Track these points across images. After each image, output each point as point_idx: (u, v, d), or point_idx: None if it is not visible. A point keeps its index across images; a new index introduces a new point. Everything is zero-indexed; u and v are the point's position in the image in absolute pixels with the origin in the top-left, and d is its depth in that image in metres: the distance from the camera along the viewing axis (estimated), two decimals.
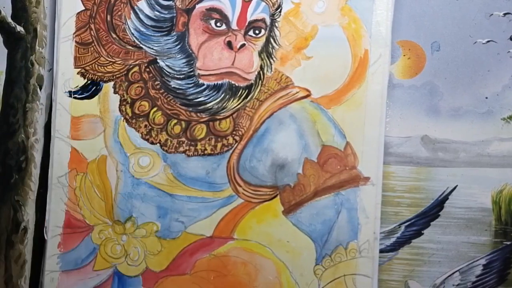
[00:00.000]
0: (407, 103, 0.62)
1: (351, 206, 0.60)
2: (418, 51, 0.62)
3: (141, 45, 0.61)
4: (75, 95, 0.62)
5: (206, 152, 0.61)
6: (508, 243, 0.62)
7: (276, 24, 0.61)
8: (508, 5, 0.61)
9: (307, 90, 0.61)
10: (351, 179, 0.60)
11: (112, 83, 0.62)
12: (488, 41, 0.61)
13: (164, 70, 0.61)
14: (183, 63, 0.61)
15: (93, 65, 0.61)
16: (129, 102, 0.61)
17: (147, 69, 0.61)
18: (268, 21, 0.61)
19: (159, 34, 0.61)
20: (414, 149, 0.62)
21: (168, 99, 0.61)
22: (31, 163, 0.63)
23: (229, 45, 0.61)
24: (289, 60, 0.61)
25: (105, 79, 0.62)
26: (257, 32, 0.61)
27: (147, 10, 0.61)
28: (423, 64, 0.62)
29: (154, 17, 0.61)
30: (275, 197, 0.61)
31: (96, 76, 0.62)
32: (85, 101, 0.62)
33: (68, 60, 0.61)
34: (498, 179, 0.62)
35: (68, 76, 0.61)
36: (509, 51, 0.61)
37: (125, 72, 0.61)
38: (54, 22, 0.62)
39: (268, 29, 0.61)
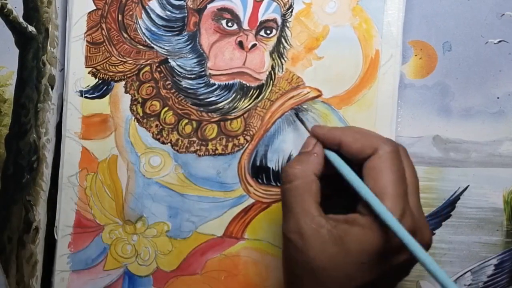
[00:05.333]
0: (418, 103, 0.62)
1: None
2: (429, 51, 0.62)
3: (152, 45, 0.61)
4: (86, 95, 0.61)
5: (217, 152, 0.61)
6: None
7: (287, 24, 0.61)
8: None
9: (318, 90, 0.61)
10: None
11: (123, 82, 0.62)
12: (500, 41, 0.61)
13: (175, 70, 0.61)
14: (194, 63, 0.61)
15: (104, 64, 0.61)
16: (140, 101, 0.61)
17: (158, 69, 0.61)
18: (279, 21, 0.61)
19: (170, 34, 0.61)
20: (426, 149, 0.62)
21: (179, 98, 0.61)
22: (42, 163, 0.63)
23: (240, 45, 0.61)
24: (300, 60, 0.61)
25: (116, 78, 0.62)
26: (268, 32, 0.61)
27: (159, 10, 0.61)
28: (434, 64, 0.62)
29: (166, 17, 0.61)
30: None
31: (107, 76, 0.61)
32: (96, 100, 0.62)
33: (79, 60, 0.61)
34: (510, 179, 0.62)
35: (79, 75, 0.61)
36: None
37: (136, 71, 0.61)
38: (65, 21, 0.62)
39: (279, 29, 0.61)
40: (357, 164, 0.48)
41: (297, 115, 0.59)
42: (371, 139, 0.48)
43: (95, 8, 0.61)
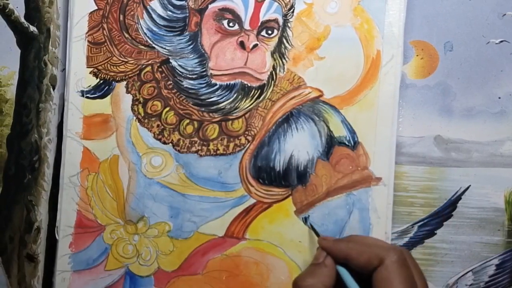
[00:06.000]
0: (420, 103, 0.62)
1: (362, 206, 0.60)
2: (431, 51, 0.62)
3: (153, 45, 0.61)
4: (87, 95, 0.62)
5: (218, 152, 0.61)
6: None
7: (289, 24, 0.61)
8: None
9: (320, 91, 0.61)
10: (363, 180, 0.60)
11: (124, 82, 0.62)
12: (501, 41, 0.61)
13: (177, 70, 0.61)
14: (196, 63, 0.61)
15: (106, 64, 0.61)
16: (142, 102, 0.62)
17: (160, 69, 0.61)
18: (280, 21, 0.61)
19: (171, 34, 0.61)
20: (427, 149, 0.62)
21: (181, 99, 0.61)
22: (44, 163, 0.63)
23: (242, 45, 0.61)
24: (301, 61, 0.61)
25: (117, 78, 0.62)
26: (269, 32, 0.61)
27: (160, 10, 0.61)
28: (436, 64, 0.62)
29: (167, 17, 0.61)
30: (287, 197, 0.61)
31: (108, 76, 0.62)
32: (97, 100, 0.62)
33: (81, 60, 0.61)
34: (511, 179, 0.62)
35: (80, 75, 0.61)
36: None
37: (138, 72, 0.62)
38: (67, 22, 0.62)
39: (280, 29, 0.61)
40: (368, 275, 0.50)
41: (305, 221, 0.60)
42: (376, 250, 0.49)
43: (96, 8, 0.61)
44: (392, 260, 0.48)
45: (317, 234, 0.57)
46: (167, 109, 0.61)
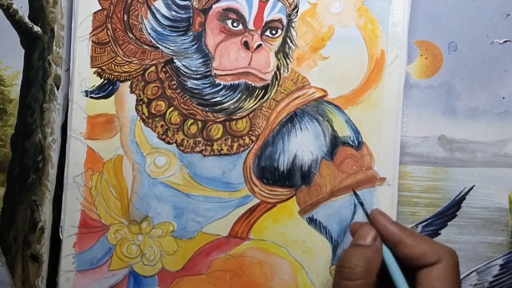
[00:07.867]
0: (424, 103, 0.62)
1: (367, 206, 0.60)
2: (435, 51, 0.62)
3: (157, 45, 0.61)
4: (91, 95, 0.62)
5: (222, 152, 0.61)
6: None
7: (293, 24, 0.61)
8: None
9: (324, 91, 0.61)
10: (367, 180, 0.60)
11: (128, 82, 0.62)
12: (506, 41, 0.61)
13: (181, 70, 0.61)
14: (200, 63, 0.61)
15: (110, 64, 0.62)
16: (146, 102, 0.62)
17: (164, 69, 0.61)
18: (284, 21, 0.61)
19: (175, 34, 0.61)
20: (431, 149, 0.62)
21: (185, 99, 0.61)
22: (48, 163, 0.63)
23: (246, 45, 0.61)
24: (305, 61, 0.61)
25: (121, 78, 0.62)
26: (273, 32, 0.61)
27: (164, 10, 0.61)
28: (440, 64, 0.62)
29: (171, 17, 0.61)
30: (291, 197, 0.61)
31: (112, 76, 0.62)
32: (101, 100, 0.62)
33: (85, 60, 0.61)
34: None
35: (84, 75, 0.61)
36: None
37: (142, 72, 0.62)
38: (71, 21, 0.62)
39: (284, 29, 0.61)
40: (412, 266, 0.50)
41: (355, 194, 0.59)
42: (435, 247, 0.49)
43: (100, 8, 0.61)
44: (452, 263, 0.48)
45: (367, 213, 0.56)
46: (171, 109, 0.61)
